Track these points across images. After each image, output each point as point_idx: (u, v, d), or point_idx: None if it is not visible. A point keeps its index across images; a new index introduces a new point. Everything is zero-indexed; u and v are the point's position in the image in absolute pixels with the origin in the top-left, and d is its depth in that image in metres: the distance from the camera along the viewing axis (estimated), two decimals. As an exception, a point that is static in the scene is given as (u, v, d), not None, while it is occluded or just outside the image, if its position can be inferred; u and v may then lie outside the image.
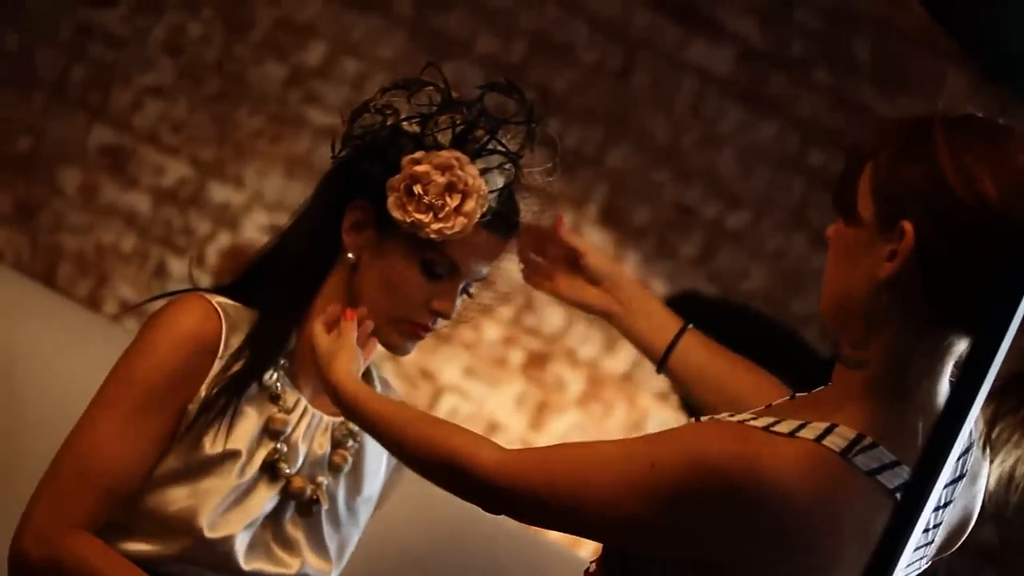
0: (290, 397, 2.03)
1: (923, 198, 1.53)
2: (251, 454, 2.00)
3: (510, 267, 2.12)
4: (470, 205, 1.96)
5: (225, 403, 1.97)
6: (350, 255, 2.01)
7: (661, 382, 4.08)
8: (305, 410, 2.04)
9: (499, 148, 1.98)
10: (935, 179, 1.53)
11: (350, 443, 2.08)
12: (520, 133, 2.01)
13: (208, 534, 1.96)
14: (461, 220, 1.96)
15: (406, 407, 1.81)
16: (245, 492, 2.00)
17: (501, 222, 2.01)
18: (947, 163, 1.53)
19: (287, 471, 2.02)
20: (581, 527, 1.64)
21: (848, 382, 1.61)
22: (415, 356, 3.54)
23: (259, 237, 4.03)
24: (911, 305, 1.55)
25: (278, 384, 2.02)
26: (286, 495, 2.03)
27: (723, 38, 4.16)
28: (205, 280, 3.76)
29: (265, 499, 2.00)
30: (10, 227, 4.11)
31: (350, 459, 2.09)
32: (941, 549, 1.74)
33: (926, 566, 1.75)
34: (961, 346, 1.59)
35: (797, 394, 1.77)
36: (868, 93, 4.10)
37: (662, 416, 4.08)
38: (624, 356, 4.13)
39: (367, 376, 2.13)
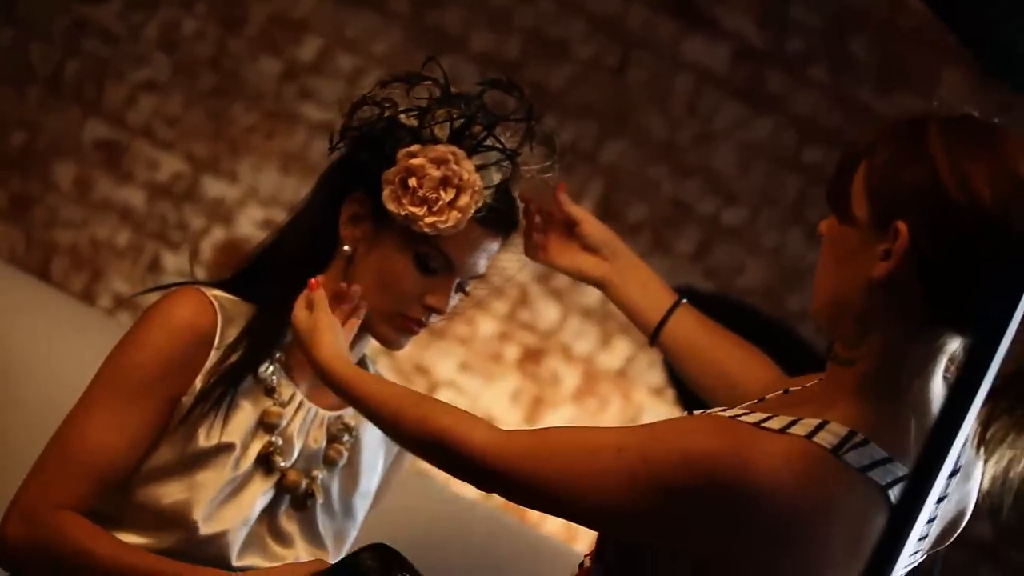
0: (286, 391, 2.03)
1: (918, 198, 1.53)
2: (245, 447, 1.99)
3: (505, 263, 2.12)
4: (464, 200, 1.95)
5: (221, 394, 1.97)
6: (346, 247, 2.01)
7: (656, 377, 4.08)
8: (301, 404, 2.04)
9: (496, 144, 1.98)
10: (930, 180, 1.53)
11: (345, 437, 2.08)
12: (519, 131, 2.00)
13: (203, 529, 1.96)
14: (455, 215, 1.95)
15: (396, 386, 1.80)
16: (240, 485, 1.99)
17: (497, 219, 2.01)
18: (942, 164, 1.53)
19: (282, 464, 2.02)
20: (570, 513, 1.64)
21: (840, 379, 1.61)
22: (410, 351, 3.55)
23: (253, 232, 4.03)
24: (904, 305, 1.55)
25: (274, 377, 2.02)
26: (281, 489, 2.03)
27: (720, 35, 4.16)
28: (201, 275, 3.75)
29: (259, 493, 2.00)
30: (5, 221, 4.11)
31: (345, 453, 2.08)
32: (935, 544, 1.74)
33: (921, 559, 1.75)
34: (954, 345, 1.59)
35: (791, 388, 1.77)
36: (865, 90, 4.10)
37: (657, 411, 4.07)
38: (619, 351, 4.12)
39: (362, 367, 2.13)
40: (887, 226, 1.54)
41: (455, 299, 2.05)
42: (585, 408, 4.11)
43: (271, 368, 2.02)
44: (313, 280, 1.95)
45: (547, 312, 4.13)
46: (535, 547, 3.06)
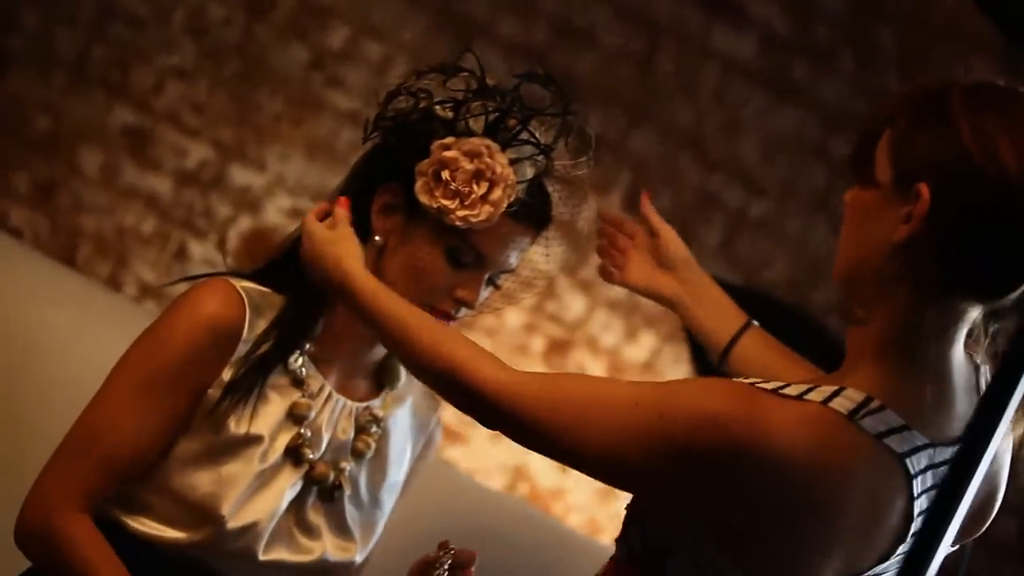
0: (314, 382, 2.03)
1: (941, 162, 1.53)
2: (273, 439, 1.99)
3: (536, 257, 2.11)
4: (497, 194, 1.95)
5: (250, 385, 1.97)
6: (377, 238, 2.00)
7: (682, 371, 4.07)
8: (329, 396, 2.04)
9: (531, 139, 1.96)
10: (953, 144, 1.53)
11: (373, 429, 2.08)
12: (554, 124, 1.99)
13: (231, 523, 1.96)
14: (487, 208, 1.94)
15: (416, 310, 1.78)
16: (268, 478, 1.99)
17: (529, 213, 2.00)
18: (966, 129, 1.53)
19: (310, 456, 2.01)
20: (575, 461, 1.63)
21: (859, 346, 1.61)
22: (436, 342, 3.52)
23: (280, 221, 4.02)
24: (923, 269, 1.55)
25: (303, 369, 2.02)
26: (309, 481, 2.03)
27: (746, 24, 4.14)
28: (229, 264, 3.76)
29: (287, 485, 2.00)
30: (30, 207, 4.11)
31: (373, 445, 2.08)
32: (965, 531, 1.73)
33: (951, 550, 1.74)
34: (973, 314, 1.58)
35: None
36: (892, 80, 4.08)
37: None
38: (645, 344, 4.11)
39: (391, 361, 2.12)
40: (909, 189, 1.54)
41: (485, 292, 2.04)
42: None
43: (300, 360, 2.02)
44: (342, 198, 1.94)
45: (574, 304, 4.12)
46: (559, 539, 3.06)
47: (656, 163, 4.14)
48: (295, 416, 2.01)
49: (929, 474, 1.58)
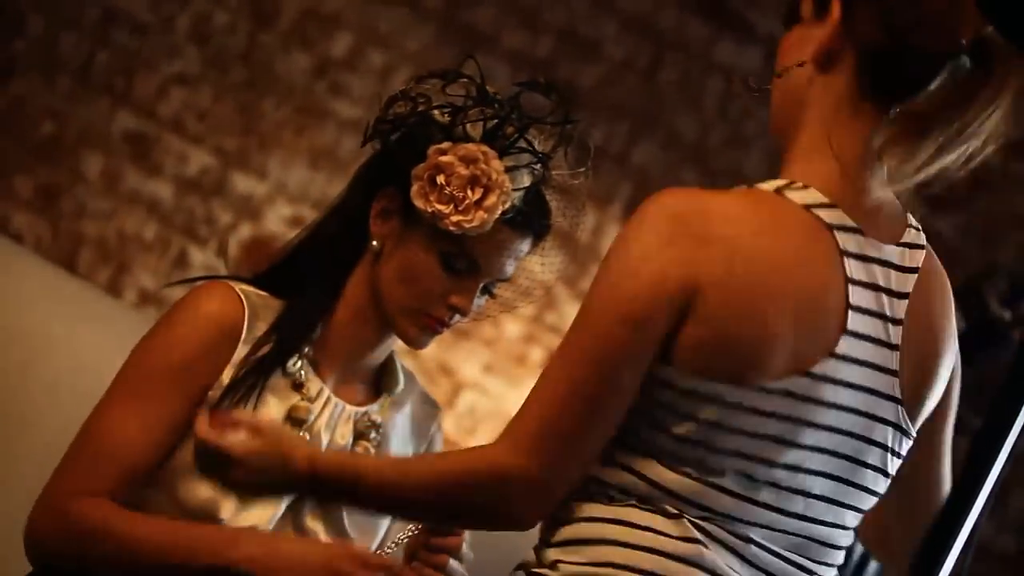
0: (313, 386, 2.02)
1: None
2: (271, 443, 1.99)
3: (533, 266, 2.10)
4: (491, 200, 1.94)
5: (250, 387, 1.97)
6: (375, 243, 2.00)
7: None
8: (328, 399, 2.03)
9: (528, 147, 1.96)
10: None
11: (372, 435, 2.07)
12: (554, 133, 1.99)
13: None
14: (481, 215, 1.94)
15: (392, 460, 1.80)
16: (265, 483, 1.99)
17: (526, 221, 1.99)
18: None
19: (308, 461, 2.01)
20: (611, 399, 1.62)
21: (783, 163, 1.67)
22: (434, 351, 3.53)
23: (281, 229, 4.02)
24: (836, 80, 1.61)
25: (302, 372, 2.01)
26: (307, 485, 2.02)
27: (752, 38, 4.14)
28: (229, 272, 3.76)
29: (285, 489, 1.99)
30: (32, 211, 4.11)
31: (372, 450, 2.07)
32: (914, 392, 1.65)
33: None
34: (883, 127, 1.61)
35: None
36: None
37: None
38: (645, 355, 4.10)
39: (390, 366, 2.12)
40: (825, 11, 1.61)
41: (480, 301, 2.03)
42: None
43: (300, 363, 2.01)
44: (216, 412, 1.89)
45: (573, 315, 4.11)
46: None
47: (659, 175, 4.14)
48: (294, 419, 2.00)
49: (862, 266, 1.59)
